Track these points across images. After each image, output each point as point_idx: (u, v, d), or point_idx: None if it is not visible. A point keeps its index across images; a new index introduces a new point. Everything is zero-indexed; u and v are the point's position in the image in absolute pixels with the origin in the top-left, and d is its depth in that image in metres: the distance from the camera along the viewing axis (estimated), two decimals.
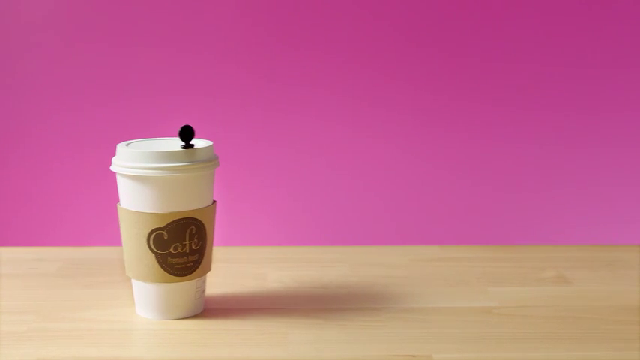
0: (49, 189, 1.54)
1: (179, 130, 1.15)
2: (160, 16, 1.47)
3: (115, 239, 1.26)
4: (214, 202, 1.20)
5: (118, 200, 1.17)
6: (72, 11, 1.45)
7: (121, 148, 1.16)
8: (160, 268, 1.15)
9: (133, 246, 1.16)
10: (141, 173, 1.13)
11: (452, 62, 1.50)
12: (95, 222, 1.51)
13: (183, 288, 1.18)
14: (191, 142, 1.16)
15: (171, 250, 1.15)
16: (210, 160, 1.17)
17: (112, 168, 1.15)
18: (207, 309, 1.22)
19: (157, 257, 1.15)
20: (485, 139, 1.54)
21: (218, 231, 1.47)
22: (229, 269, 1.39)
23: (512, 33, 1.49)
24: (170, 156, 1.13)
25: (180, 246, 1.15)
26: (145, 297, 1.18)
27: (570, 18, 1.49)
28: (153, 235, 1.14)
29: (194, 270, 1.17)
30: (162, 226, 1.14)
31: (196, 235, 1.16)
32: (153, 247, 1.15)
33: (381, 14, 1.49)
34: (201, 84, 1.50)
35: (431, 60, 1.50)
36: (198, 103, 1.51)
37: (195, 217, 1.16)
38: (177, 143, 1.18)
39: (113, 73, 1.50)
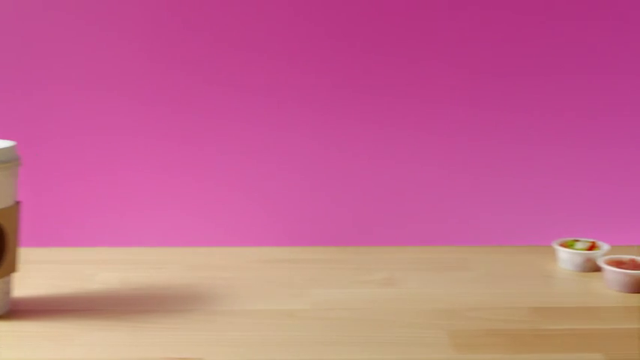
0: None
1: None
2: None
3: None
4: (17, 202, 1.19)
5: None
6: None
7: None
8: None
9: None
10: None
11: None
12: None
13: None
14: None
15: None
16: (6, 161, 1.16)
17: None
18: (14, 310, 1.21)
19: None
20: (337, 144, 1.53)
21: (50, 231, 1.47)
22: (58, 270, 1.38)
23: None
24: None
25: None
26: None
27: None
28: None
29: None
30: None
31: None
32: None
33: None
34: (15, 84, 1.49)
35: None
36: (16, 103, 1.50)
37: None
38: None
39: None
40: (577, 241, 1.42)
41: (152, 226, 1.52)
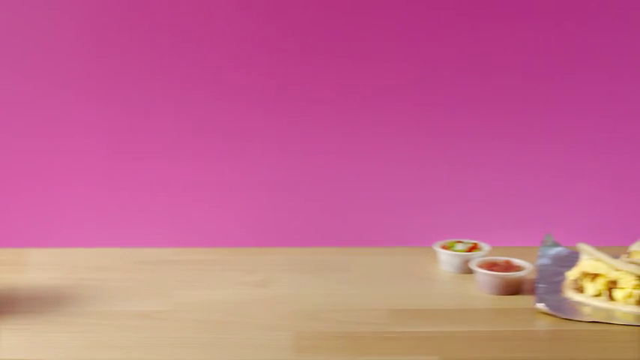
0: None
1: None
2: None
3: None
4: None
5: None
6: None
7: None
8: None
9: None
10: None
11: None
12: None
13: None
14: None
15: None
16: None
17: None
18: None
19: None
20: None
21: None
22: None
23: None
24: None
25: None
26: None
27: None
28: None
29: None
30: None
31: None
32: None
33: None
34: None
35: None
36: None
37: None
38: None
39: None
40: (459, 242, 1.41)
41: (34, 227, 1.52)
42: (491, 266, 1.31)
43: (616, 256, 1.31)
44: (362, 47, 1.52)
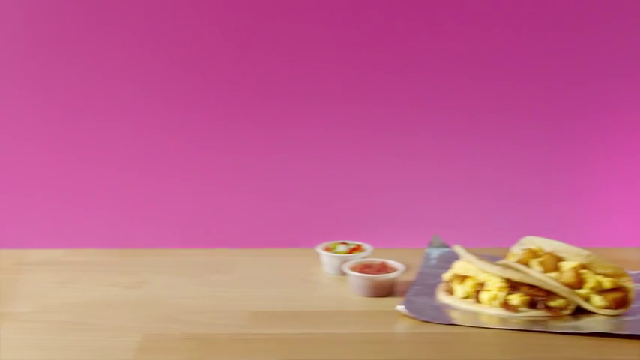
0: None
1: None
2: None
3: None
4: None
5: None
6: None
7: None
8: None
9: None
10: None
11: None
12: None
13: None
14: None
15: None
16: None
17: None
18: None
19: None
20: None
21: None
22: None
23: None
24: None
25: None
26: None
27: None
28: None
29: None
30: None
31: None
32: None
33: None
34: None
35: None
36: None
37: None
38: None
39: None
40: (344, 243, 1.39)
41: None
42: (364, 268, 1.30)
43: (496, 258, 1.30)
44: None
